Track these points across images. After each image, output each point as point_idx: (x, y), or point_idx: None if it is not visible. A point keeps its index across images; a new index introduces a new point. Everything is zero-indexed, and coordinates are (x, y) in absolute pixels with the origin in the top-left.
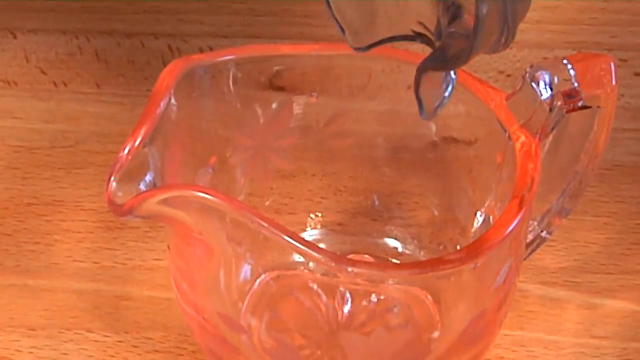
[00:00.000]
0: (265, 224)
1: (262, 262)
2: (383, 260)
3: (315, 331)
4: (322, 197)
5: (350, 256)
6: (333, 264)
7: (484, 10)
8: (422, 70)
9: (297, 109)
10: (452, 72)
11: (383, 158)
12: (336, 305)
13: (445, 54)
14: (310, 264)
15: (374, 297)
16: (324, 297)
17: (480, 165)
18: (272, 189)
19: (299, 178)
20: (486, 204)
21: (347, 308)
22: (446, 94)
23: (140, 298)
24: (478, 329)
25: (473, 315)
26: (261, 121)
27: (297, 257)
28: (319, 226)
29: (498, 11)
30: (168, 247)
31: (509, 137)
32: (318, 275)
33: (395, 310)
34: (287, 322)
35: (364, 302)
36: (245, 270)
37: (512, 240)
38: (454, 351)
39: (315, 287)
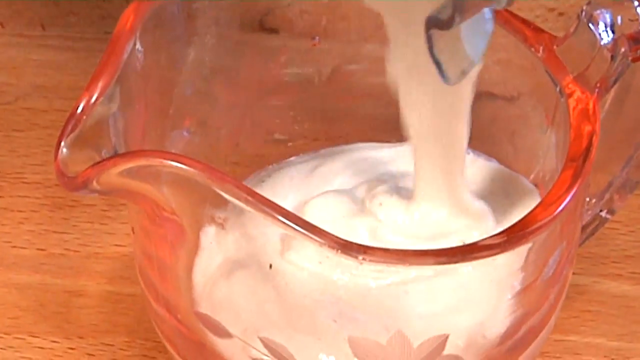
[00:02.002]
0: (254, 201)
1: None
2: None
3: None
4: None
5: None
6: (339, 250)
7: None
8: (430, 22)
9: (293, 57)
10: (488, 20)
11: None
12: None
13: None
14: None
15: None
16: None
17: (525, 127)
18: (262, 157)
19: (295, 144)
20: (532, 176)
21: None
22: (476, 52)
23: (98, 294)
24: (520, 334)
25: (514, 316)
26: (249, 73)
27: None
28: None
29: None
30: (132, 230)
31: (560, 92)
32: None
33: None
34: None
35: None
36: None
37: (564, 221)
38: None
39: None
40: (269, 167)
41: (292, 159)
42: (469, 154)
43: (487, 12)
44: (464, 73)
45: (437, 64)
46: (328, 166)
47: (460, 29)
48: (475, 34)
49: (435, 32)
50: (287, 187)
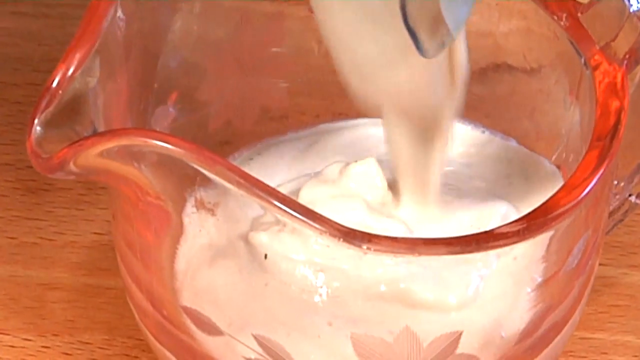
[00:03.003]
0: (249, 185)
1: None
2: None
3: None
4: None
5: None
6: (341, 239)
7: None
8: None
9: (291, 26)
10: None
11: None
12: None
13: None
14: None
15: None
16: None
17: (546, 102)
18: (256, 135)
19: (293, 120)
20: (554, 157)
21: None
22: (457, 21)
23: (75, 287)
24: (541, 331)
25: (534, 311)
26: (242, 41)
27: None
28: None
29: None
30: (112, 216)
31: (585, 64)
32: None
33: None
34: None
35: None
36: None
37: (590, 206)
38: None
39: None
40: (258, 144)
41: (286, 135)
42: (483, 132)
43: None
44: (443, 45)
45: (412, 34)
46: (324, 143)
47: None
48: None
49: None
50: (277, 167)
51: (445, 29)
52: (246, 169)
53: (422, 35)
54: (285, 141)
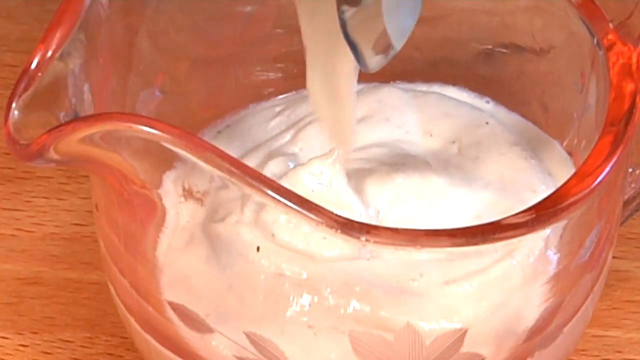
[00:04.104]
0: (240, 173)
1: None
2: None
3: None
4: None
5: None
6: (338, 231)
7: None
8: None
9: (286, 2)
10: None
11: (414, 73)
12: None
13: None
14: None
15: None
16: None
17: (556, 85)
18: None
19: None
20: (565, 142)
21: None
22: (401, 32)
23: (55, 282)
24: (552, 327)
25: (544, 307)
26: (232, 21)
27: None
28: None
29: None
30: (95, 206)
31: (598, 44)
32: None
33: None
34: None
35: None
36: None
37: (603, 195)
38: None
39: None
40: (225, 116)
41: (259, 104)
42: (488, 103)
43: None
44: (385, 58)
45: (352, 46)
46: (293, 110)
47: (380, 2)
48: (401, 8)
49: (348, 8)
50: (244, 140)
51: (388, 42)
52: (213, 142)
53: (364, 49)
54: (253, 112)
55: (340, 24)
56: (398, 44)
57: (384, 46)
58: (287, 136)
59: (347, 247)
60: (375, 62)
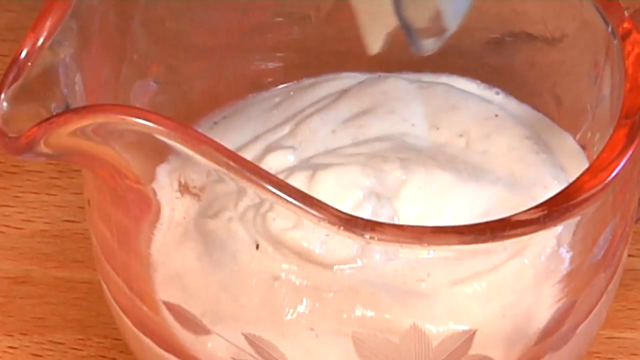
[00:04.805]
0: (238, 167)
1: None
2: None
3: None
4: None
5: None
6: (341, 228)
7: None
8: None
9: None
10: None
11: (420, 63)
12: None
13: None
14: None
15: None
16: None
17: (569, 75)
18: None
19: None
20: (578, 135)
21: None
22: (456, 12)
23: (45, 281)
24: (564, 328)
25: (556, 307)
26: (230, 8)
27: None
28: None
29: None
30: (88, 202)
31: (613, 33)
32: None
33: None
34: None
35: None
36: None
37: (618, 191)
38: None
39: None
40: (222, 107)
41: (258, 94)
42: (497, 94)
43: None
44: (439, 40)
45: (406, 27)
46: (290, 102)
47: None
48: None
49: None
50: (241, 132)
51: (442, 22)
52: (209, 134)
53: (417, 30)
54: (253, 102)
55: (394, 3)
56: (453, 25)
57: (437, 27)
58: (287, 128)
59: (350, 248)
60: (428, 43)
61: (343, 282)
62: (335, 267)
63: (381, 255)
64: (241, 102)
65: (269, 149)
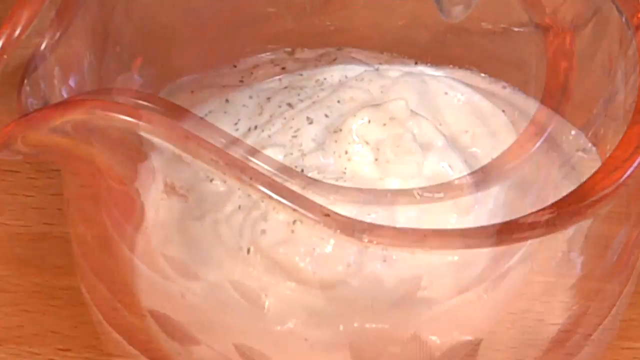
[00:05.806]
0: (229, 165)
1: None
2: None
3: None
4: None
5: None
6: (337, 231)
7: None
8: None
9: None
10: None
11: (422, 55)
12: None
13: None
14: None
15: None
16: None
17: (580, 68)
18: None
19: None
20: (590, 132)
21: None
22: None
23: (23, 288)
24: (576, 337)
25: (567, 314)
26: None
27: None
28: None
29: None
30: (67, 203)
31: (627, 23)
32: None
33: None
34: None
35: None
36: None
37: (632, 191)
38: None
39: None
40: (210, 101)
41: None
42: (504, 88)
43: None
44: (467, 8)
45: None
46: (285, 95)
47: None
48: None
49: None
50: (228, 127)
51: None
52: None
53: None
54: (242, 98)
55: None
56: None
57: None
58: (278, 124)
59: (343, 261)
60: (457, 10)
61: (338, 293)
62: (329, 279)
63: (380, 263)
64: (230, 96)
65: (257, 146)
